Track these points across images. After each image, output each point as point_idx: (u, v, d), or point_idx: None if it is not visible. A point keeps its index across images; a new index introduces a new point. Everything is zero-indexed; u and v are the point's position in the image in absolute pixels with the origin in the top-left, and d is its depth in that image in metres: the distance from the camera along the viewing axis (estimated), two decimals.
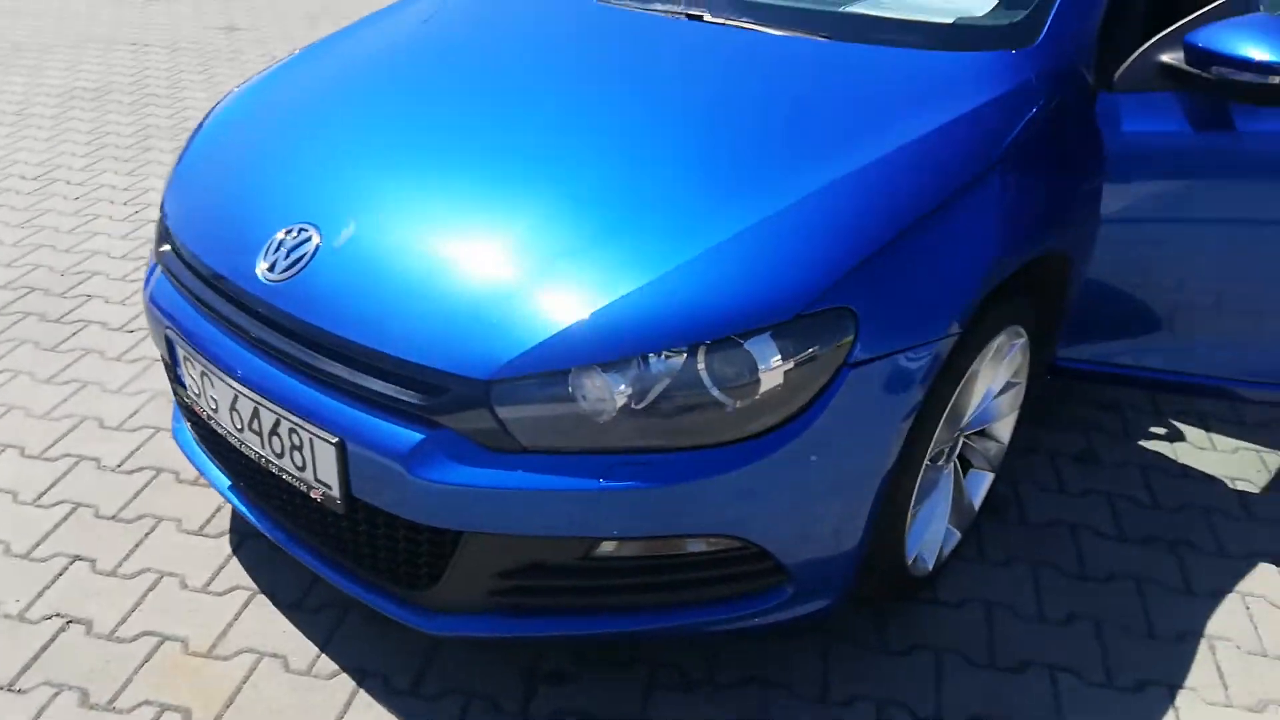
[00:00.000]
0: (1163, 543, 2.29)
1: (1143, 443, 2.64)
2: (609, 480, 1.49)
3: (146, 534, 2.24)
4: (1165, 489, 2.47)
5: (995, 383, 2.04)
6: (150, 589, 2.10)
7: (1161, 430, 2.70)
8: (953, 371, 1.73)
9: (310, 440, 1.62)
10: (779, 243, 1.55)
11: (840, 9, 2.16)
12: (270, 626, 2.02)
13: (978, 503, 2.20)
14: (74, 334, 3.02)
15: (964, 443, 2.11)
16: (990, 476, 2.22)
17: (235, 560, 2.17)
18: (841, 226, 1.58)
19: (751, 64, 1.98)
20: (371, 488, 1.59)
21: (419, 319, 1.55)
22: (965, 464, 2.19)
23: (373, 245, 1.66)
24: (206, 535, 2.24)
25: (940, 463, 1.99)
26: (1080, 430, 2.68)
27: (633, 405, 1.49)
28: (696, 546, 1.60)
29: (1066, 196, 1.95)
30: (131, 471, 2.44)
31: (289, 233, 1.72)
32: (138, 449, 2.51)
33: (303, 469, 1.67)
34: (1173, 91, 1.99)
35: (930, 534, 2.04)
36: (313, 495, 1.68)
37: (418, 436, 1.53)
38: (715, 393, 1.49)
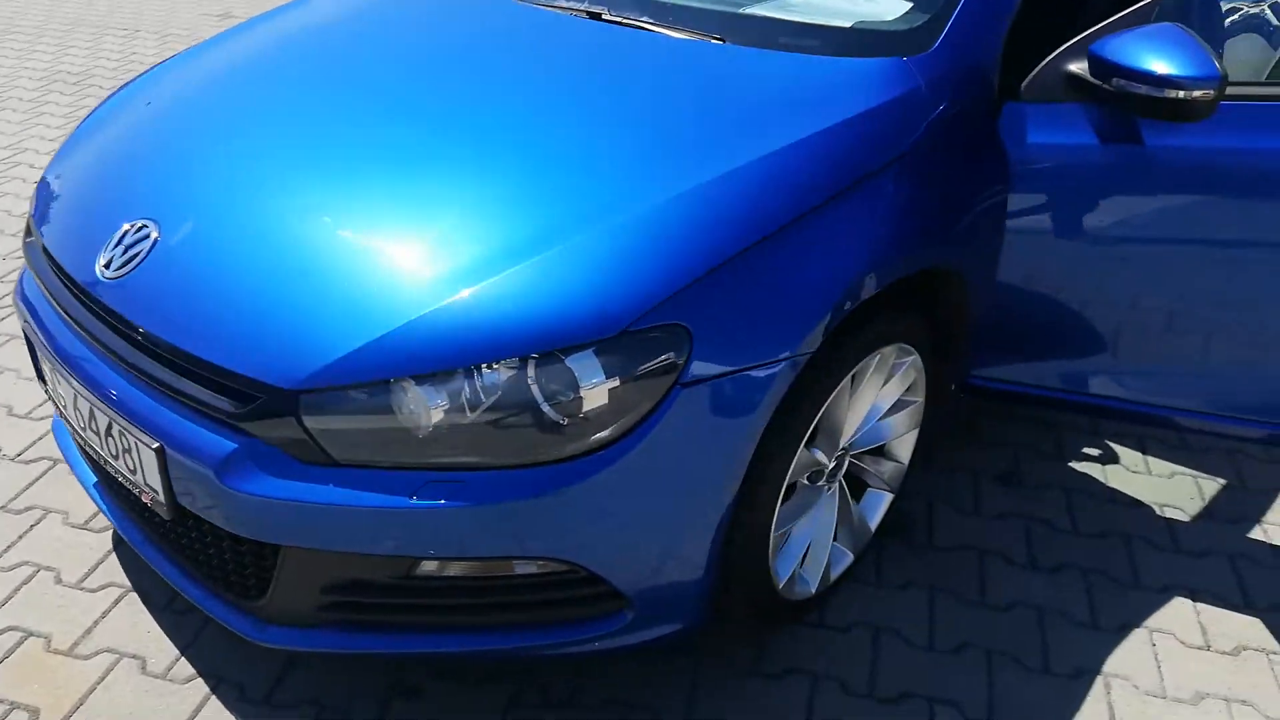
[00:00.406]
0: (1075, 571, 2.19)
1: (1073, 464, 2.53)
2: (421, 498, 1.43)
3: (32, 526, 2.22)
4: (1088, 514, 2.36)
5: (883, 401, 1.95)
6: (25, 583, 2.07)
7: (1095, 451, 2.59)
8: (814, 390, 1.65)
9: (136, 444, 1.58)
10: (610, 254, 1.48)
11: (741, 9, 2.07)
12: (136, 627, 1.98)
13: (874, 524, 2.11)
14: (1, 320, 3.01)
15: (857, 462, 2.02)
16: (888, 497, 2.13)
17: (114, 557, 2.14)
18: (681, 239, 1.50)
19: (633, 67, 1.90)
20: (191, 496, 1.55)
21: (235, 323, 1.50)
22: (860, 484, 2.10)
23: (204, 244, 1.61)
24: (90, 530, 2.21)
25: (821, 482, 1.91)
26: (1009, 449, 2.57)
27: (456, 419, 1.43)
28: (526, 568, 1.53)
29: (959, 210, 1.86)
30: (29, 461, 2.42)
31: (132, 227, 1.68)
32: (40, 439, 2.49)
33: (134, 472, 1.63)
34: (1080, 103, 1.89)
35: (813, 556, 1.96)
36: (144, 500, 1.64)
37: (230, 445, 1.48)
38: (544, 410, 1.43)
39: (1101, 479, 2.48)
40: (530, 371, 1.42)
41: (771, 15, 2.03)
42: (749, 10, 2.07)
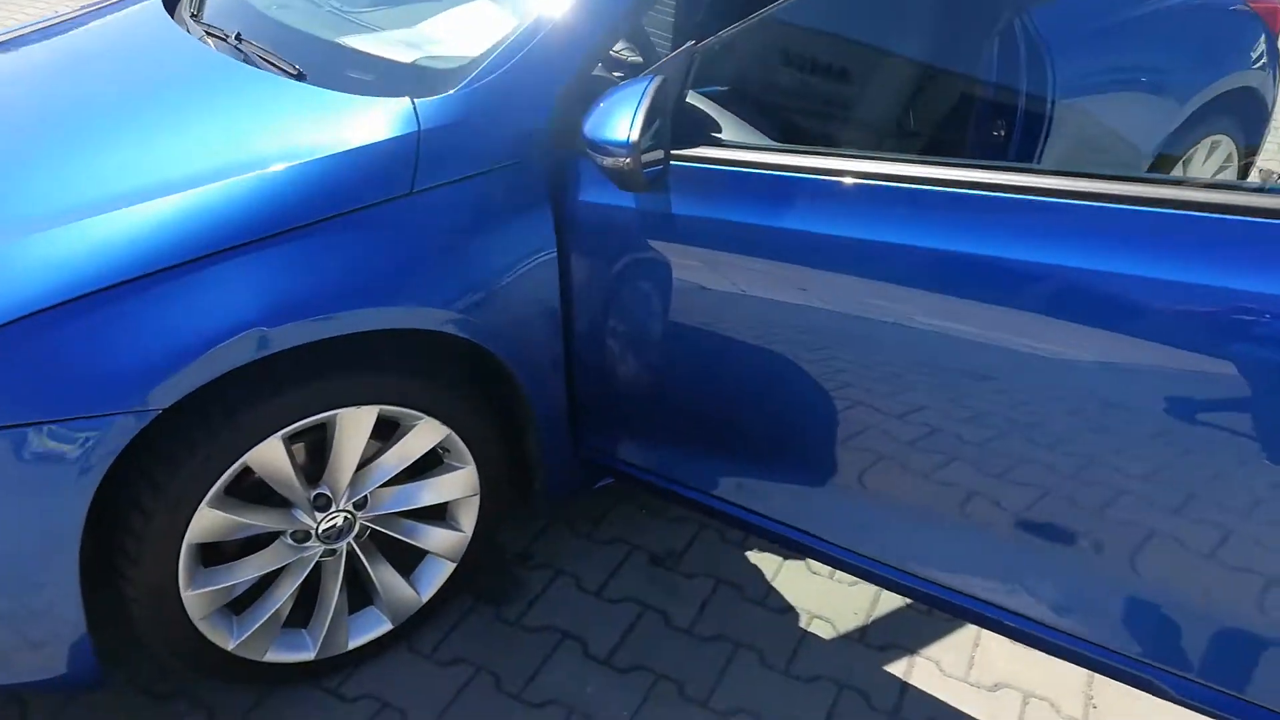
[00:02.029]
0: (646, 675, 1.97)
1: (751, 554, 2.28)
2: None
3: None
4: (721, 613, 2.11)
5: (388, 464, 1.81)
6: None
7: None
8: (201, 448, 1.56)
9: None
10: None
11: (339, 39, 1.98)
12: None
13: (427, 592, 1.97)
14: None
15: (379, 527, 1.88)
16: (448, 565, 1.98)
17: None
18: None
19: (161, 100, 1.87)
20: None
21: None
22: (416, 552, 1.97)
23: None
24: None
25: (311, 542, 1.79)
26: (693, 528, 2.34)
27: None
28: None
29: (465, 270, 1.71)
30: None
31: None
32: None
33: None
34: None
35: (318, 618, 1.86)
36: None
37: None
38: None
39: (768, 577, 2.22)
40: None
41: (358, 48, 1.94)
42: (346, 39, 1.97)
